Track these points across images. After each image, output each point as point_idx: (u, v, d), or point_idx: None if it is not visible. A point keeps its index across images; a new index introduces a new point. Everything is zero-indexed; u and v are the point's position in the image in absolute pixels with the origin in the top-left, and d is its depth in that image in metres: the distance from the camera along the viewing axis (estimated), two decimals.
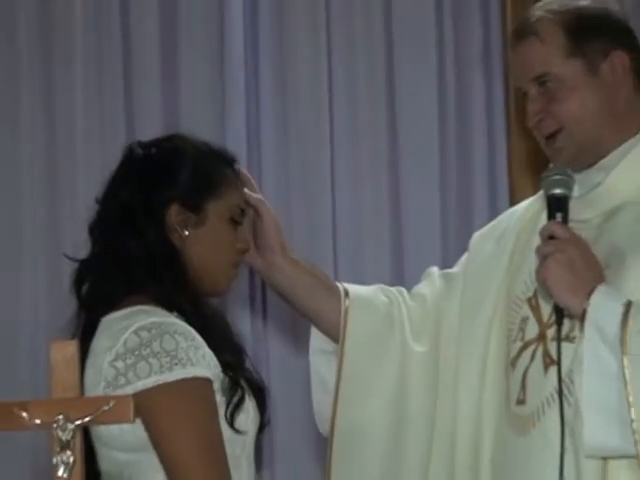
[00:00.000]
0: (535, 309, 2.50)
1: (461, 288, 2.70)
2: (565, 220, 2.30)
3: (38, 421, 1.82)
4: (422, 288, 2.75)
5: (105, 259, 2.42)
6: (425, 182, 4.21)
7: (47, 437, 1.85)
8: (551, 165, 2.38)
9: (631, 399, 2.16)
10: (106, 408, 1.82)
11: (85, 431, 2.35)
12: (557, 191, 2.28)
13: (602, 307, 2.24)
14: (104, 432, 2.34)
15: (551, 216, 2.30)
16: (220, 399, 2.34)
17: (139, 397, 2.23)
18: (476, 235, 2.77)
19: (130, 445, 2.36)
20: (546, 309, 2.43)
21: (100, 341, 2.34)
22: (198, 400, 2.35)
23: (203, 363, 2.34)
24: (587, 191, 2.43)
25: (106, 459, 2.40)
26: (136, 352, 2.30)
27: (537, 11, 2.47)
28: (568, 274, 2.24)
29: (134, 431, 2.32)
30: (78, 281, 2.44)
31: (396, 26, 4.27)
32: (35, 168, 4.22)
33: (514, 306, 2.55)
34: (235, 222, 2.47)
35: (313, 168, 4.21)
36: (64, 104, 4.26)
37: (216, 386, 2.34)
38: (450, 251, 4.13)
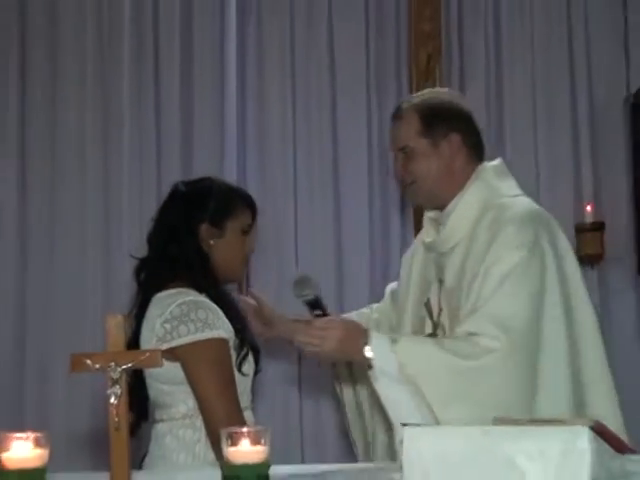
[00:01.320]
0: (429, 311, 3.15)
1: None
2: (324, 313, 2.98)
3: (98, 366, 2.18)
4: (380, 303, 3.45)
5: (157, 258, 3.20)
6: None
7: (103, 377, 2.17)
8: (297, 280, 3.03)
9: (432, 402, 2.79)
10: (142, 358, 2.18)
11: (139, 371, 3.01)
12: (307, 299, 2.98)
13: (379, 353, 2.83)
14: (154, 370, 3.01)
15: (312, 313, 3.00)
16: (233, 353, 3.06)
17: (180, 349, 3.02)
18: (404, 256, 3.39)
19: (171, 380, 3.07)
20: (435, 309, 3.10)
21: (152, 310, 3.10)
22: (220, 353, 3.06)
23: (223, 328, 3.07)
24: (443, 229, 3.06)
25: (153, 389, 3.13)
26: (178, 318, 3.04)
27: (405, 103, 3.15)
28: (337, 344, 2.90)
29: (174, 370, 3.03)
30: (138, 271, 3.24)
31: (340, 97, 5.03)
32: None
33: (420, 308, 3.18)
34: (245, 233, 3.27)
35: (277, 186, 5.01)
36: (118, 155, 4.98)
37: (230, 344, 3.07)
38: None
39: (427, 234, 3.25)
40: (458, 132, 3.16)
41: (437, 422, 2.76)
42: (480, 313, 2.90)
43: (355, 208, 5.05)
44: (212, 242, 3.24)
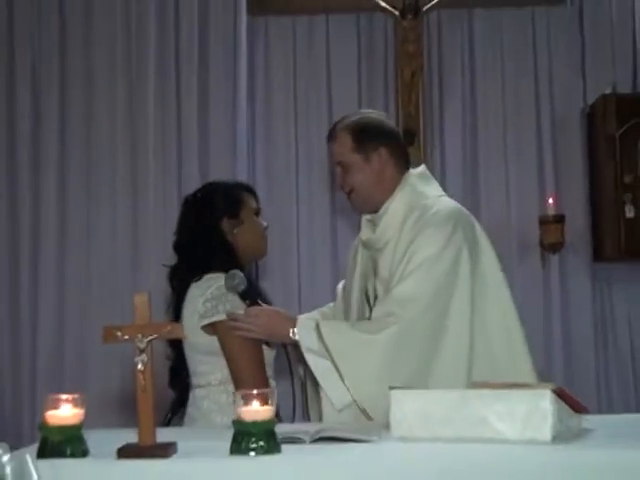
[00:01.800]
0: (367, 299, 3.18)
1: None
2: (254, 302, 3.03)
3: (126, 337, 2.19)
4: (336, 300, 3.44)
5: (187, 263, 3.21)
6: None
7: (131, 347, 2.18)
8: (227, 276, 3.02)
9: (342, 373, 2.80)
10: (165, 330, 2.20)
11: (179, 344, 3.09)
12: (239, 289, 2.99)
13: (303, 334, 2.94)
14: (194, 342, 3.03)
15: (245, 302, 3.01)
16: None
17: (218, 324, 3.02)
18: (350, 253, 3.40)
19: (209, 351, 3.06)
20: (372, 297, 3.15)
21: (194, 292, 3.08)
22: None
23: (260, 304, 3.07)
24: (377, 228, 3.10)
25: (193, 359, 3.12)
26: (217, 298, 3.04)
27: (338, 124, 3.16)
28: (266, 329, 3.00)
29: (212, 343, 3.02)
30: (171, 277, 3.28)
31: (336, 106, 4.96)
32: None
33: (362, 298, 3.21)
34: (257, 214, 3.27)
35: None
36: (144, 157, 4.99)
37: None
38: None
39: (364, 233, 3.25)
40: (386, 146, 3.16)
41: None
42: (390, 295, 2.96)
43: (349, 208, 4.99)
44: (235, 231, 3.24)
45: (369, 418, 2.82)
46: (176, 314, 3.18)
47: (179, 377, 3.23)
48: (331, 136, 3.22)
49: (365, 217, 3.26)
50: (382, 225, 3.14)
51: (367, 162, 3.14)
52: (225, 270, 3.08)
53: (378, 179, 3.15)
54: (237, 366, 3.05)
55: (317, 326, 2.94)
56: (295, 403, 3.16)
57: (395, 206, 3.12)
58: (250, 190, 3.39)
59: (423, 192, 3.17)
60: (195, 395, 3.14)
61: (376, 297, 3.12)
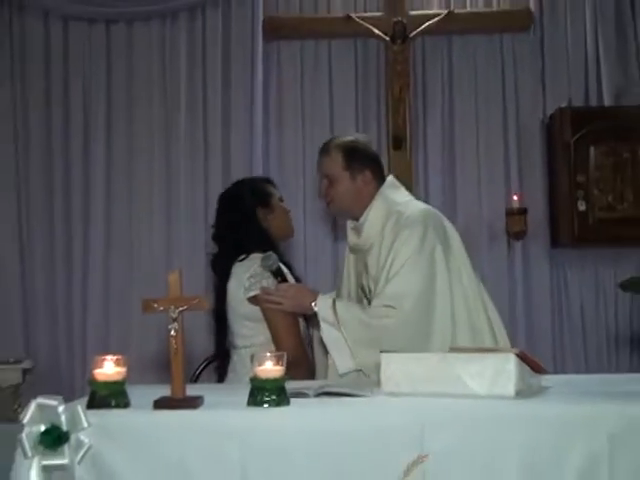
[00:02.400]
0: (364, 293, 3.17)
1: None
2: (284, 279, 3.07)
3: (161, 308, 2.20)
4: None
5: (228, 251, 3.21)
6: None
7: (165, 317, 2.21)
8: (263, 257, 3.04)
9: (349, 343, 2.82)
10: (193, 302, 2.19)
11: (223, 314, 3.15)
12: (272, 269, 2.98)
13: (321, 307, 2.96)
14: (242, 311, 3.06)
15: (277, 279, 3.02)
16: None
17: (259, 297, 3.02)
18: (345, 256, 3.38)
19: (253, 318, 3.07)
20: (367, 290, 3.15)
21: (238, 270, 3.08)
22: None
23: (291, 280, 3.10)
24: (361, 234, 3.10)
25: (239, 324, 3.11)
26: (260, 275, 3.04)
27: (332, 142, 3.13)
28: (293, 302, 3.02)
29: (256, 311, 3.03)
30: (214, 264, 3.28)
31: (336, 118, 5.03)
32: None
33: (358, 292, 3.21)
34: (281, 200, 3.26)
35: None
36: (177, 161, 4.98)
37: None
38: None
39: (351, 239, 3.26)
40: (370, 169, 3.17)
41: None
42: (384, 292, 2.96)
43: None
44: (269, 217, 3.25)
45: (367, 377, 2.84)
46: (217, 292, 3.19)
47: (221, 344, 3.26)
48: (324, 150, 3.20)
49: (349, 226, 3.26)
50: (365, 231, 3.14)
51: (352, 180, 3.14)
52: (263, 251, 3.09)
53: (357, 195, 3.15)
54: (277, 332, 3.08)
55: (334, 302, 2.97)
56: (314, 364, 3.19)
57: (373, 214, 3.12)
58: (272, 182, 3.40)
59: (394, 199, 3.16)
60: (241, 355, 3.13)
61: (370, 291, 3.12)
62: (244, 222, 3.21)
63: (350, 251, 3.31)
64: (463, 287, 3.06)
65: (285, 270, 3.15)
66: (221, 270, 3.21)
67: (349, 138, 3.25)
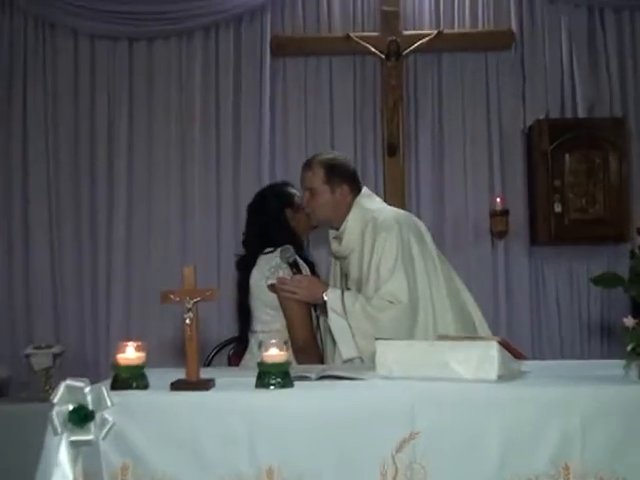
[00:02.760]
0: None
1: None
2: (299, 271, 3.05)
3: (178, 299, 2.20)
4: None
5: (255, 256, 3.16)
6: None
7: (181, 307, 2.21)
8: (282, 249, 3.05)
9: (353, 331, 2.81)
10: (207, 294, 2.19)
11: (245, 306, 3.16)
12: (289, 261, 2.97)
13: (331, 298, 2.89)
14: (263, 298, 3.05)
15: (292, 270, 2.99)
16: None
17: (277, 285, 2.97)
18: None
19: (272, 305, 3.06)
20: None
21: (261, 262, 3.06)
22: None
23: (306, 271, 3.07)
24: (342, 242, 3.09)
25: (260, 310, 3.09)
26: (279, 266, 3.03)
27: (315, 158, 3.14)
28: (306, 292, 3.00)
29: (275, 299, 3.01)
30: (240, 264, 3.26)
31: (336, 128, 4.98)
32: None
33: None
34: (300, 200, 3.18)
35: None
36: (191, 167, 4.95)
37: None
38: None
39: (333, 247, 3.26)
40: (348, 184, 3.17)
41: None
42: (381, 290, 2.95)
43: None
44: (296, 216, 3.24)
45: (363, 363, 2.85)
46: (240, 286, 3.21)
47: (243, 329, 3.25)
48: (308, 166, 3.21)
49: (331, 235, 3.27)
50: (345, 239, 3.15)
51: (332, 194, 3.15)
52: (284, 243, 3.11)
53: (335, 207, 3.16)
54: (290, 320, 3.07)
55: (342, 294, 2.95)
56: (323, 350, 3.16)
57: (351, 223, 3.13)
58: (290, 184, 3.37)
59: (369, 208, 3.16)
60: (259, 338, 3.08)
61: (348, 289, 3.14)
62: (273, 223, 3.20)
63: (334, 258, 3.32)
64: (437, 272, 3.10)
65: (302, 263, 3.14)
66: (245, 267, 3.20)
67: (330, 155, 3.27)
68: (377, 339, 2.44)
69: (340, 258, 3.24)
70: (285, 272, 3.07)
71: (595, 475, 2.03)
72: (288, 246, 3.08)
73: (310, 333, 3.10)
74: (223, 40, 5.09)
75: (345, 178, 3.17)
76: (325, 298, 2.96)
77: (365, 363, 2.80)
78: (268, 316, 3.13)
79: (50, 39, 5.05)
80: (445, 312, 3.03)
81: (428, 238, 3.17)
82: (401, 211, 3.26)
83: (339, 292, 2.99)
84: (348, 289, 3.15)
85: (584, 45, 5.08)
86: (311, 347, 3.07)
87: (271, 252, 3.13)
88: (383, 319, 2.89)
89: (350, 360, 2.87)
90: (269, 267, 3.10)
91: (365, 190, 3.26)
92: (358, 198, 3.18)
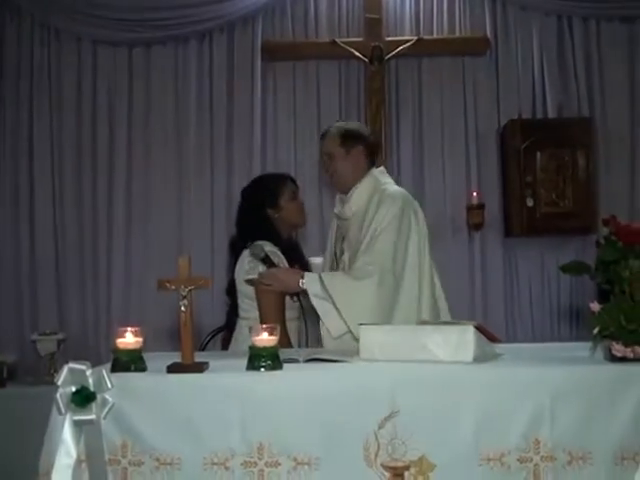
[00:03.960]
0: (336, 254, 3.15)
1: None
2: (272, 265, 2.97)
3: (173, 287, 2.19)
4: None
5: (246, 230, 3.14)
6: None
7: (177, 295, 2.20)
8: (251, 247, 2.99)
9: (338, 306, 2.72)
10: (200, 282, 2.18)
11: (235, 298, 3.11)
12: (259, 257, 2.92)
13: (309, 283, 2.87)
14: (242, 289, 3.03)
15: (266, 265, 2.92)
16: None
17: (255, 280, 2.95)
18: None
19: (250, 297, 3.03)
20: (339, 253, 3.14)
21: (244, 254, 3.02)
22: None
23: (283, 264, 3.02)
24: (346, 204, 3.05)
25: (241, 300, 3.08)
26: (255, 261, 2.97)
27: (331, 127, 3.10)
28: (281, 283, 2.93)
29: (252, 291, 2.99)
30: (232, 247, 3.20)
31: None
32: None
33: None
34: (294, 197, 3.19)
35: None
36: (187, 165, 4.86)
37: None
38: None
39: (337, 208, 3.23)
40: (362, 145, 3.14)
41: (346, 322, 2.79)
42: (365, 253, 2.91)
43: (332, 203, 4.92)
44: (277, 216, 3.18)
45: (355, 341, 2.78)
46: (231, 271, 3.17)
47: (230, 314, 3.23)
48: (325, 134, 3.19)
49: (338, 195, 3.23)
50: (350, 202, 3.12)
51: (347, 154, 3.11)
52: (267, 239, 3.08)
53: (353, 168, 3.11)
54: (261, 311, 3.03)
55: (320, 277, 2.89)
56: (307, 336, 3.12)
57: (360, 189, 3.10)
58: (289, 178, 3.30)
59: (381, 181, 3.15)
60: (241, 325, 3.12)
61: (342, 253, 3.11)
62: (253, 213, 3.17)
63: (335, 218, 3.28)
64: (425, 253, 3.08)
65: (280, 256, 3.10)
66: (235, 253, 3.18)
67: (343, 123, 3.27)
68: (360, 325, 2.41)
69: (341, 219, 3.21)
70: (263, 267, 3.05)
71: (563, 449, 2.03)
72: (257, 243, 3.02)
73: (273, 320, 3.04)
74: (216, 45, 5.08)
75: (359, 140, 3.14)
76: (303, 286, 2.89)
77: (355, 335, 2.77)
78: (246, 305, 3.13)
79: (55, 44, 5.05)
80: (424, 289, 3.00)
81: (424, 224, 3.13)
82: (408, 194, 3.20)
83: (316, 276, 2.90)
84: (335, 254, 3.15)
85: (554, 51, 5.09)
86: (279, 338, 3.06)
87: (250, 246, 3.10)
88: (360, 286, 2.83)
89: (341, 336, 2.81)
90: (248, 260, 3.06)
91: (382, 169, 3.25)
92: (373, 170, 3.17)
